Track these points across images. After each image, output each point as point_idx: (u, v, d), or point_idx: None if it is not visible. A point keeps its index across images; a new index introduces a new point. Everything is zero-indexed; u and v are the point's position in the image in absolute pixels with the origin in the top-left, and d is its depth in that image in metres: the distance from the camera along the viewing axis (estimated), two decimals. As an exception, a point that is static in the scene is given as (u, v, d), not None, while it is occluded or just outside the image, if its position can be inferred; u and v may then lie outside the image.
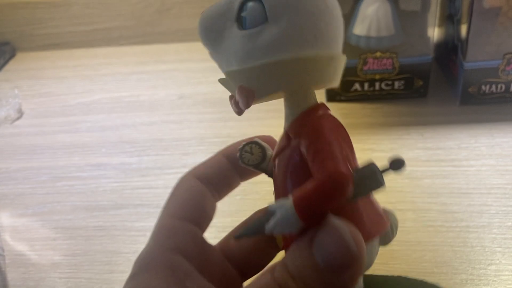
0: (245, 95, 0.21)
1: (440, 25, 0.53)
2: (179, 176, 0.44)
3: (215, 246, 0.26)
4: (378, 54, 0.48)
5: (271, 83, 0.21)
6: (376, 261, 0.35)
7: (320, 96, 0.51)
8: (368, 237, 0.21)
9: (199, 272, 0.22)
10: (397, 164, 0.20)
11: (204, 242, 0.24)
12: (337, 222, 0.19)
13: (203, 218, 0.24)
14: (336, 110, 0.50)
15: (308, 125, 0.21)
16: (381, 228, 0.23)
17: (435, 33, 0.48)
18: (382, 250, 0.35)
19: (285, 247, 0.23)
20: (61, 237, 0.39)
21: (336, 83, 0.23)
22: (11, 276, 0.36)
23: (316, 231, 0.19)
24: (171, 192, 0.25)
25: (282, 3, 0.20)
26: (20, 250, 0.39)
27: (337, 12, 0.22)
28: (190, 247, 0.23)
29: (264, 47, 0.20)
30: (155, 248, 0.22)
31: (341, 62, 0.23)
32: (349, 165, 0.19)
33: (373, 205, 0.23)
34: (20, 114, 0.55)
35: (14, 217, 0.42)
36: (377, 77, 0.49)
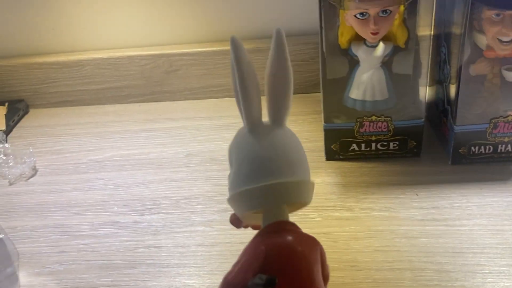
0: (234, 220, 0.32)
1: (431, 86, 0.57)
2: (188, 234, 0.46)
3: None
4: (373, 117, 0.51)
5: (241, 207, 0.30)
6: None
7: (320, 155, 0.54)
8: None
9: None
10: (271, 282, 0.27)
11: None
12: None
13: None
14: (335, 168, 0.53)
15: (256, 236, 0.30)
16: None
17: (426, 95, 0.51)
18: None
19: None
20: (77, 297, 0.41)
21: (301, 201, 0.31)
22: (29, 336, 0.38)
23: None
24: None
25: (230, 157, 0.32)
26: (38, 310, 0.41)
27: (279, 151, 0.30)
28: None
29: (230, 183, 0.31)
30: None
31: (296, 185, 0.30)
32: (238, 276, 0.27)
33: None
34: (35, 171, 0.58)
35: (31, 276, 0.44)
36: (373, 138, 0.52)
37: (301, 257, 0.28)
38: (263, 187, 0.29)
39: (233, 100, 0.78)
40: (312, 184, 0.32)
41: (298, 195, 0.30)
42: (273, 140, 0.31)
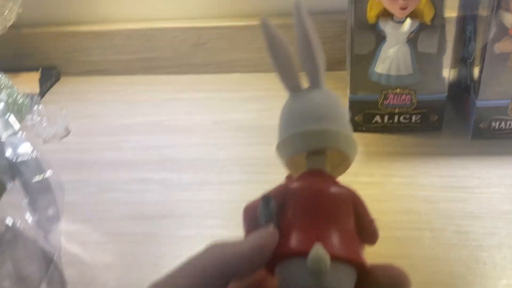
0: None
1: (453, 67, 0.58)
2: (216, 191, 0.48)
3: None
4: (398, 90, 0.53)
5: (279, 158, 0.32)
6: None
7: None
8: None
9: None
10: (266, 199, 0.27)
11: None
12: None
13: None
14: (358, 139, 0.54)
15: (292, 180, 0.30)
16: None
17: (449, 72, 0.53)
18: (401, 263, 0.39)
19: None
20: (111, 241, 0.44)
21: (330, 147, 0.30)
22: (68, 273, 0.41)
23: None
24: None
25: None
26: (75, 252, 0.43)
27: (316, 108, 0.31)
28: None
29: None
30: None
31: (320, 134, 0.30)
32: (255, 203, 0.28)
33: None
34: (67, 132, 0.61)
35: (67, 222, 0.46)
36: (397, 111, 0.54)
37: (324, 199, 0.28)
38: (288, 137, 0.31)
39: (258, 74, 0.79)
40: (346, 136, 0.32)
41: (323, 143, 0.30)
42: (304, 98, 0.32)
